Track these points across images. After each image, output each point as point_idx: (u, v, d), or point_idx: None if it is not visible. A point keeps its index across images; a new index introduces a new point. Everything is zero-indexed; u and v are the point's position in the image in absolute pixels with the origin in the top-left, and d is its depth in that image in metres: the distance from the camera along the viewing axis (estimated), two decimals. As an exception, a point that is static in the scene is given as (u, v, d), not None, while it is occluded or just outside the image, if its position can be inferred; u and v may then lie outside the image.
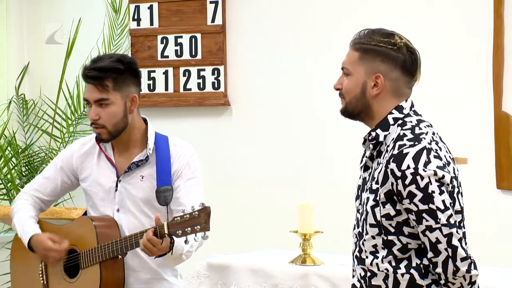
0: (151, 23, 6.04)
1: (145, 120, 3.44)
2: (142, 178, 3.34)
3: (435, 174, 2.61)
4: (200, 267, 4.41)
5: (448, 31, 5.31)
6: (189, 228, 2.97)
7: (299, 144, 5.69)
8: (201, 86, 5.92)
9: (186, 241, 3.04)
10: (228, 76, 5.89)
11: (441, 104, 5.26)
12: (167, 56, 5.98)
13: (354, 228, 2.83)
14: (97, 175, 3.43)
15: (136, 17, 6.08)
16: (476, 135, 5.20)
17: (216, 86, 5.89)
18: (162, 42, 6.02)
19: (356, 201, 2.84)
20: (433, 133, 2.74)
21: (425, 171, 2.60)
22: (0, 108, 6.18)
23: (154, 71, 6.02)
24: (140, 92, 3.43)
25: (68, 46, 6.04)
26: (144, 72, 6.02)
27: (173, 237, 3.05)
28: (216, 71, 5.89)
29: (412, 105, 2.79)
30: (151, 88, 6.03)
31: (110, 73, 3.26)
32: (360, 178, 2.83)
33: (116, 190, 3.38)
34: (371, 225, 2.71)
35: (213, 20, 5.88)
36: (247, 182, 5.80)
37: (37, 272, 3.50)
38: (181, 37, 5.97)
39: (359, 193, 2.81)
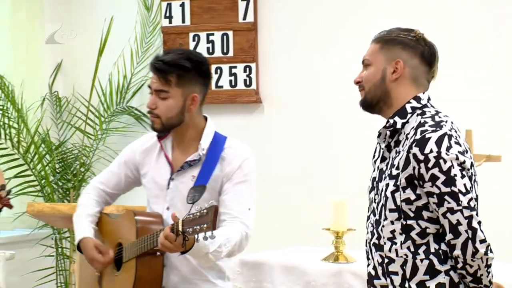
0: (183, 21, 6.06)
1: (206, 119, 3.43)
2: (193, 178, 3.32)
3: (457, 158, 2.69)
4: (233, 264, 4.42)
5: (468, 28, 5.29)
6: (197, 227, 2.94)
7: (332, 141, 5.69)
8: (233, 84, 5.94)
9: (197, 240, 3.00)
10: (260, 73, 5.90)
11: (476, 102, 5.25)
12: (200, 55, 5.98)
13: (368, 219, 2.89)
14: (154, 171, 3.43)
15: (168, 14, 6.10)
16: (510, 132, 5.18)
17: (247, 83, 5.91)
18: (194, 40, 6.04)
19: (370, 193, 2.90)
20: (452, 122, 2.81)
21: (447, 155, 2.69)
22: (34, 105, 6.22)
23: (186, 69, 6.03)
24: (207, 92, 3.39)
25: (100, 44, 6.07)
26: (176, 69, 6.05)
27: (187, 235, 3.00)
28: (247, 68, 5.90)
29: (429, 99, 2.87)
30: (183, 85, 6.05)
31: (175, 69, 3.26)
32: (374, 171, 2.89)
33: (167, 188, 3.37)
34: (391, 210, 2.77)
35: (244, 17, 5.89)
36: (280, 179, 5.81)
37: None
38: (212, 34, 5.99)
39: (374, 185, 2.87)
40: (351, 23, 5.65)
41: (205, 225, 2.91)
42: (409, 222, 2.75)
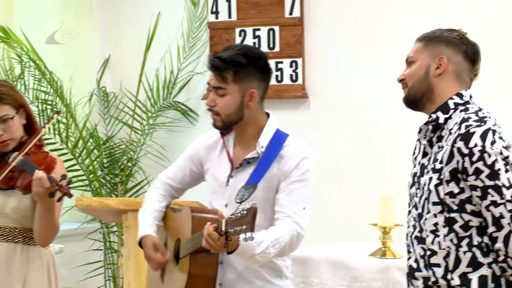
0: (229, 16, 6.08)
1: (268, 116, 3.38)
2: (250, 176, 3.32)
3: (501, 153, 2.74)
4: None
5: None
6: (238, 227, 2.91)
7: (379, 136, 5.67)
8: (279, 79, 5.94)
9: (239, 240, 2.98)
10: (306, 68, 5.89)
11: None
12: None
13: (409, 213, 2.92)
14: (215, 168, 3.41)
15: (214, 10, 6.12)
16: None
17: (294, 78, 5.90)
18: (240, 35, 6.05)
19: (411, 188, 2.94)
20: (495, 118, 2.85)
21: (492, 149, 2.73)
22: (82, 100, 6.28)
23: (232, 64, 6.05)
24: (267, 87, 3.35)
25: (148, 39, 6.11)
26: (222, 64, 6.07)
27: (230, 236, 2.99)
28: (294, 64, 5.90)
29: (471, 96, 2.91)
30: (229, 80, 6.07)
31: (231, 66, 3.24)
32: (415, 166, 2.93)
33: (226, 185, 3.36)
34: (434, 203, 2.80)
35: (291, 12, 5.89)
36: (326, 174, 5.80)
37: None
38: (259, 29, 6.00)
39: (415, 180, 2.91)
40: (399, 19, 5.63)
41: (244, 226, 2.90)
42: (452, 215, 2.78)
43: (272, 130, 3.34)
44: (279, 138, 3.33)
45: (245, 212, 2.91)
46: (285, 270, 3.39)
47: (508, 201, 2.72)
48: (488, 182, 2.73)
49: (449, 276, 2.79)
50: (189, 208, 3.38)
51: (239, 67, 3.26)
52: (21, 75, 5.84)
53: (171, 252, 3.47)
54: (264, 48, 5.95)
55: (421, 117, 3.10)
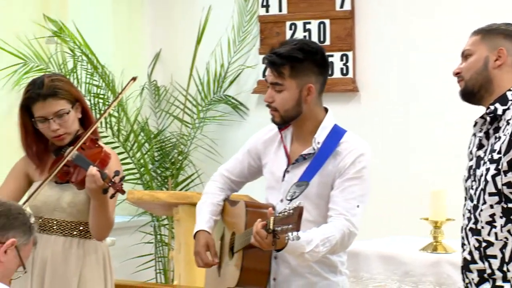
0: (280, 9, 6.07)
1: (327, 111, 3.37)
2: (304, 172, 3.29)
3: None
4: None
5: None
6: (285, 226, 2.90)
7: (429, 130, 5.63)
8: (329, 72, 5.90)
9: (286, 239, 2.96)
10: (357, 61, 5.86)
11: None
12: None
13: (464, 206, 2.90)
14: (272, 162, 3.40)
15: (265, 3, 6.12)
16: None
17: (344, 72, 5.88)
18: (290, 28, 6.04)
19: (466, 181, 2.91)
20: None
21: None
22: (134, 94, 6.32)
23: (282, 57, 6.04)
24: (325, 81, 3.33)
25: (198, 33, 6.13)
26: (273, 58, 6.06)
27: (278, 234, 2.97)
28: (344, 57, 5.88)
29: None
30: (280, 74, 6.06)
31: (288, 61, 3.22)
32: (472, 159, 2.90)
33: (283, 180, 3.33)
34: (491, 194, 2.78)
35: (342, 6, 5.86)
36: (376, 168, 5.76)
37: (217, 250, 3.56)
38: (309, 23, 5.98)
39: (471, 173, 2.88)
40: (450, 14, 5.57)
41: (290, 226, 2.89)
42: (510, 205, 2.77)
43: (330, 126, 3.32)
44: (336, 134, 3.30)
45: (291, 211, 2.90)
46: (340, 265, 3.36)
47: None
48: None
49: (505, 268, 2.76)
50: (243, 203, 3.37)
51: (296, 62, 3.23)
52: (73, 69, 5.89)
53: (227, 245, 3.47)
54: (314, 41, 5.91)
55: (473, 111, 3.07)
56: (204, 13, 6.16)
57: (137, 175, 6.14)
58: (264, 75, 6.09)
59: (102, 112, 5.99)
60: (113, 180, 3.41)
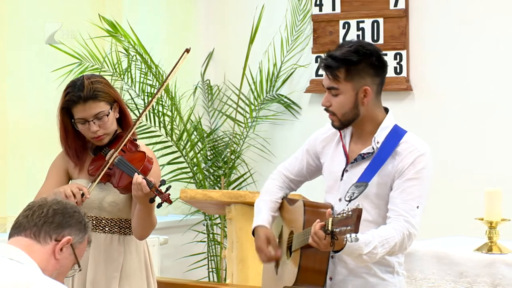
0: (333, 8, 6.05)
1: (387, 111, 3.33)
2: (363, 172, 3.26)
3: None
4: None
5: None
6: (343, 228, 2.89)
7: (483, 130, 5.56)
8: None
9: (344, 241, 2.95)
10: (411, 60, 5.82)
11: None
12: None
13: None
14: (331, 161, 3.38)
15: (318, 2, 6.10)
16: None
17: (398, 71, 5.84)
18: (344, 27, 6.01)
19: None
20: None
21: None
22: (187, 93, 6.35)
23: (335, 56, 6.02)
24: (382, 82, 3.28)
25: (251, 32, 6.13)
26: (326, 57, 6.05)
27: (336, 235, 2.94)
28: (398, 56, 5.84)
29: None
30: (333, 73, 6.04)
31: (342, 64, 3.19)
32: None
33: (341, 180, 3.32)
34: None
35: (395, 4, 5.82)
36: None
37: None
38: (363, 21, 5.95)
39: None
40: (506, 11, 5.50)
41: (349, 227, 2.87)
42: None
43: (390, 126, 3.28)
44: (396, 135, 3.26)
45: (350, 213, 2.88)
46: (397, 266, 3.32)
47: None
48: None
49: None
50: (302, 202, 3.35)
51: (350, 65, 3.20)
52: (128, 68, 5.93)
53: (285, 243, 3.47)
54: (368, 40, 5.88)
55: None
56: (257, 12, 6.16)
57: (190, 174, 6.16)
58: (317, 75, 6.10)
59: (154, 110, 6.03)
60: (159, 189, 3.45)
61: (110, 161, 3.56)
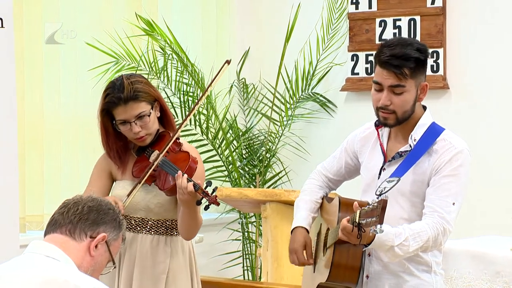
0: (370, 6, 6.03)
1: (425, 109, 3.34)
2: (397, 168, 3.26)
3: None
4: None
5: None
6: (369, 219, 2.88)
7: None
8: (420, 69, 5.85)
9: (370, 233, 2.95)
10: (448, 59, 5.78)
11: None
12: (385, 40, 5.94)
13: None
14: (368, 160, 3.39)
15: (354, 0, 6.08)
16: None
17: (435, 69, 5.81)
18: (380, 25, 5.99)
19: None
20: None
21: None
22: (222, 92, 6.36)
23: (372, 55, 6.00)
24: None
25: (287, 30, 6.12)
26: (361, 55, 6.03)
27: (363, 227, 2.94)
28: (435, 54, 5.80)
29: None
30: (369, 71, 6.02)
31: (411, 62, 3.18)
32: None
33: (378, 178, 3.31)
34: None
35: (433, 2, 5.79)
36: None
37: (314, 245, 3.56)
38: (399, 19, 5.92)
39: None
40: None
41: (374, 219, 2.87)
42: None
43: (427, 123, 3.28)
44: (433, 132, 3.26)
45: (376, 204, 2.88)
46: (434, 265, 3.31)
47: None
48: None
49: None
50: (338, 198, 3.36)
51: (416, 63, 3.20)
52: (164, 67, 5.95)
53: (322, 241, 3.47)
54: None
55: None
56: (293, 11, 6.15)
57: (225, 173, 6.17)
58: (353, 73, 6.06)
59: (191, 109, 6.04)
60: (205, 191, 3.40)
61: (155, 164, 3.52)
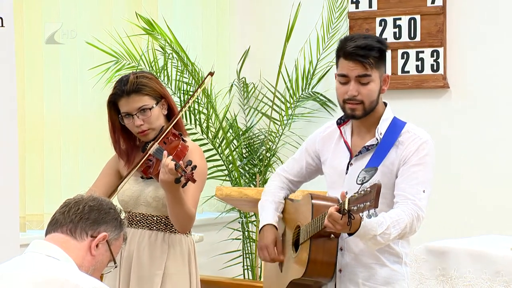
0: (370, 6, 6.03)
1: (385, 104, 3.45)
2: (369, 160, 3.35)
3: None
4: (419, 251, 4.37)
5: None
6: (361, 204, 2.96)
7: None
8: (420, 69, 5.85)
9: (362, 218, 3.04)
10: (448, 58, 5.78)
11: None
12: (386, 39, 5.94)
13: None
14: (333, 158, 3.47)
15: (354, 0, 6.08)
16: None
17: (435, 68, 5.81)
18: (380, 25, 5.99)
19: None
20: None
21: None
22: (223, 91, 6.35)
23: (372, 54, 6.00)
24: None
25: (287, 30, 6.12)
26: (362, 55, 6.03)
27: (353, 214, 3.03)
28: (435, 53, 5.80)
29: None
30: (369, 71, 6.02)
31: (375, 52, 3.31)
32: None
33: (346, 173, 3.40)
34: None
35: (433, 1, 5.79)
36: (466, 165, 5.69)
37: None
38: (399, 19, 5.92)
39: None
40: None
41: (368, 203, 2.94)
42: None
43: (390, 118, 3.40)
44: (397, 125, 3.38)
45: (368, 189, 2.96)
46: (404, 257, 3.42)
47: None
48: None
49: None
50: (309, 195, 3.44)
51: (379, 52, 3.32)
52: (164, 66, 5.95)
53: (289, 241, 3.50)
54: (404, 38, 5.88)
55: None
56: (293, 10, 6.15)
57: (226, 172, 6.17)
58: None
59: (190, 108, 6.05)
60: (185, 169, 3.42)
61: (150, 152, 3.58)
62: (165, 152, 3.47)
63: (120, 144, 3.73)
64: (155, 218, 3.67)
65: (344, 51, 3.33)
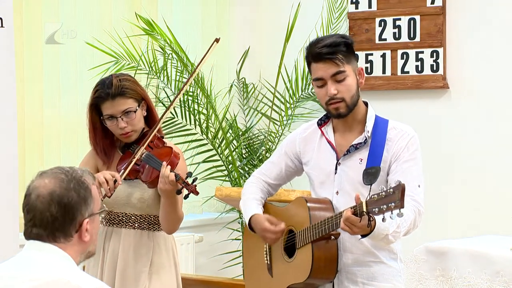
0: (370, 6, 6.03)
1: (365, 104, 3.46)
2: (360, 161, 3.36)
3: None
4: (418, 251, 4.37)
5: None
6: (384, 206, 2.97)
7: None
8: (419, 69, 5.85)
9: (383, 219, 3.03)
10: (448, 58, 5.78)
11: None
12: (385, 39, 5.95)
13: None
14: (317, 158, 3.47)
15: (354, 0, 6.08)
16: None
17: (434, 68, 5.81)
18: (380, 25, 5.99)
19: None
20: None
21: None
22: (222, 92, 6.36)
23: (371, 54, 6.01)
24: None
25: (287, 30, 6.12)
26: (361, 55, 6.03)
27: (372, 215, 3.05)
28: (435, 54, 5.80)
29: None
30: (368, 71, 6.03)
31: (342, 46, 3.34)
32: None
33: (335, 173, 3.40)
34: None
35: (432, 2, 5.79)
36: (466, 165, 5.69)
37: (263, 253, 3.60)
38: (399, 19, 5.92)
39: None
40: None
41: (393, 204, 2.95)
42: None
43: (373, 116, 3.43)
44: (381, 123, 3.41)
45: (391, 190, 2.98)
46: (399, 253, 3.45)
47: None
48: None
49: None
50: (303, 199, 3.44)
51: (346, 46, 3.35)
52: (164, 66, 5.95)
53: (279, 244, 3.49)
54: (404, 38, 5.87)
55: None
56: (293, 10, 6.15)
57: (225, 172, 6.17)
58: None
59: (190, 108, 6.05)
60: (186, 181, 3.51)
61: (138, 155, 3.64)
62: (164, 163, 3.54)
63: (100, 145, 3.78)
64: (139, 218, 3.73)
65: (312, 54, 3.36)
